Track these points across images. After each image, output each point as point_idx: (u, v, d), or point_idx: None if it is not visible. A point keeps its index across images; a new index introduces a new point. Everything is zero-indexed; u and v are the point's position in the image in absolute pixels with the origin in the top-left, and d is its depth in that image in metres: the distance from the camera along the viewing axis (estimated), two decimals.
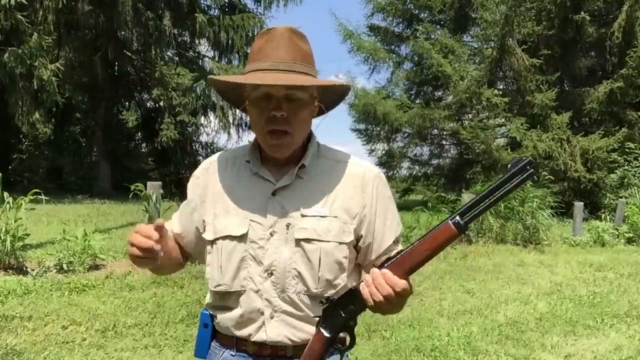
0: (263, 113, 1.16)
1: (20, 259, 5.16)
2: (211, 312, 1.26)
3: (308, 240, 1.16)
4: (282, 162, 1.23)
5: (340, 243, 1.18)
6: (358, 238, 1.22)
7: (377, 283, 1.03)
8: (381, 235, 1.23)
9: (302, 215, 1.17)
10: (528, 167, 0.95)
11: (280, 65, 1.14)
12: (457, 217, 1.00)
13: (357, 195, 1.21)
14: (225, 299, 1.20)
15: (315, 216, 1.17)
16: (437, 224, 1.03)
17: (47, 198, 5.37)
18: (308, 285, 1.16)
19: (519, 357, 3.77)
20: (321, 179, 1.22)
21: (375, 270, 1.05)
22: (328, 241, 1.16)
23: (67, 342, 3.55)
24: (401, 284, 1.02)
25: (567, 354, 3.87)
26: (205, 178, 1.28)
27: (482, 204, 0.99)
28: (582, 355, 3.87)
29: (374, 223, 1.22)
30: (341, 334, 1.10)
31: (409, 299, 1.11)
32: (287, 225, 1.17)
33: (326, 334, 1.09)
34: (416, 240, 1.05)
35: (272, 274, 1.16)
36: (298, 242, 1.16)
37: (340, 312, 1.09)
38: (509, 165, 0.99)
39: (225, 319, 1.21)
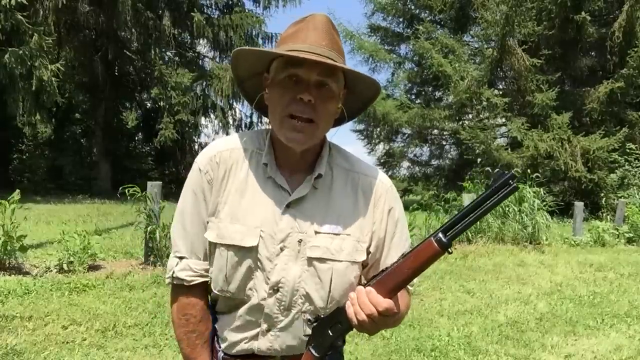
0: (286, 94, 1.06)
1: (20, 259, 5.16)
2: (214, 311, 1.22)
3: (321, 260, 1.10)
4: (294, 165, 1.15)
5: (353, 262, 1.12)
6: (368, 254, 1.17)
7: (360, 302, 0.99)
8: (387, 252, 1.17)
9: (316, 232, 1.11)
10: (510, 181, 0.93)
11: (317, 49, 1.05)
12: (440, 235, 0.96)
13: (369, 211, 1.16)
14: (227, 302, 1.16)
15: (328, 233, 1.11)
16: (420, 242, 0.99)
17: (38, 198, 5.32)
18: (316, 305, 1.11)
19: (519, 357, 3.77)
20: (334, 192, 1.15)
21: (360, 288, 1.01)
22: (341, 261, 1.11)
23: (67, 342, 3.55)
24: (384, 303, 0.97)
25: (567, 354, 3.87)
26: (213, 172, 1.14)
27: (466, 219, 0.95)
28: (582, 355, 3.87)
29: (383, 239, 1.17)
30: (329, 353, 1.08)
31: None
32: (299, 242, 1.10)
33: (315, 354, 1.07)
34: (400, 257, 1.01)
35: (278, 290, 1.10)
36: (310, 261, 1.10)
37: (328, 331, 1.06)
38: (492, 178, 0.97)
39: (225, 320, 1.17)
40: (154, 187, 5.78)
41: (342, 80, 1.12)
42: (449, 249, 0.96)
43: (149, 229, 5.56)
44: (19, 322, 3.82)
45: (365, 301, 0.99)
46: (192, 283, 1.16)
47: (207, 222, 1.13)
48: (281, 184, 1.12)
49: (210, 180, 1.13)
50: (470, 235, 8.32)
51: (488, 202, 0.94)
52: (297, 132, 1.06)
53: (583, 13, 15.44)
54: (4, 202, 4.97)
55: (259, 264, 1.10)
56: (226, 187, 1.13)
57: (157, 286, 4.94)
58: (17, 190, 5.13)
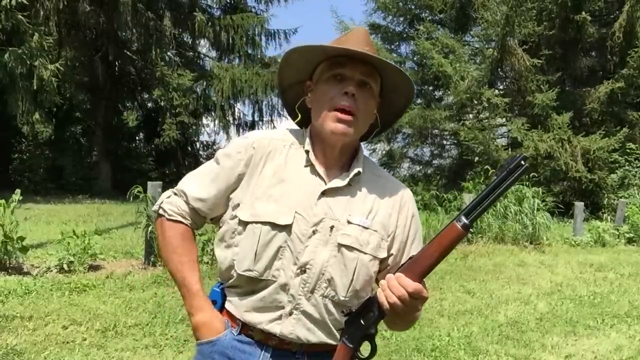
0: (332, 89, 1.17)
1: (21, 260, 5.16)
2: (227, 294, 1.24)
3: (350, 248, 1.17)
4: (331, 162, 1.22)
5: (375, 258, 1.20)
6: (389, 255, 1.24)
7: (391, 285, 1.05)
8: (407, 255, 1.23)
9: (348, 222, 1.18)
10: (522, 162, 0.99)
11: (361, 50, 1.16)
12: (462, 218, 1.03)
13: (394, 214, 1.24)
14: (250, 284, 1.18)
15: (359, 225, 1.18)
16: (444, 227, 1.06)
17: (38, 198, 5.32)
18: (337, 292, 1.17)
19: (520, 357, 3.77)
20: (367, 191, 1.24)
21: (389, 275, 1.07)
22: (366, 253, 1.18)
23: (67, 342, 3.55)
24: (413, 285, 1.03)
25: (568, 354, 3.87)
26: (249, 155, 1.21)
27: (483, 202, 1.02)
28: (583, 355, 3.87)
29: (405, 242, 1.26)
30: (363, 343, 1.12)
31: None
32: (331, 228, 1.17)
33: (349, 345, 1.12)
34: (426, 244, 1.08)
35: (304, 271, 1.15)
36: (340, 247, 1.16)
37: (360, 321, 1.11)
38: (501, 164, 1.02)
39: (243, 301, 1.19)
40: (154, 187, 5.79)
41: (379, 86, 1.22)
42: (471, 229, 1.03)
43: (149, 229, 5.56)
44: (19, 322, 3.82)
45: (395, 284, 1.04)
46: (171, 218, 1.24)
47: (239, 205, 1.19)
48: (319, 172, 1.20)
49: (240, 160, 1.21)
50: (470, 235, 8.31)
51: (503, 184, 1.00)
52: (341, 123, 1.15)
53: (583, 13, 15.44)
54: (3, 202, 4.97)
55: (290, 243, 1.15)
56: (262, 171, 1.20)
57: (157, 286, 4.94)
58: (18, 190, 5.12)
